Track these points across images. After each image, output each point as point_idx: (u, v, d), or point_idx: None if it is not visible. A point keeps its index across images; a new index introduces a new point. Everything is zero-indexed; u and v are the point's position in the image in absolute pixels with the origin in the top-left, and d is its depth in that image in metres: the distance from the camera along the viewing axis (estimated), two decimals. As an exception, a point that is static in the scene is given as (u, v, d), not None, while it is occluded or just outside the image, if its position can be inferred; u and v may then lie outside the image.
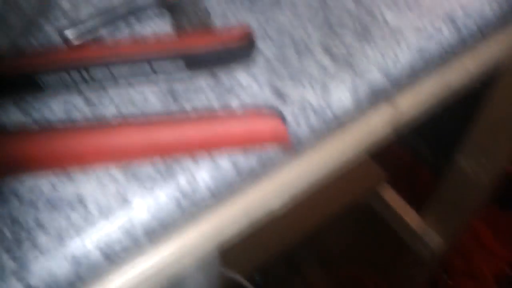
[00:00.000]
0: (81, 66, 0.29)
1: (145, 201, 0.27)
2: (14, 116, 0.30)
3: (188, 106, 0.31)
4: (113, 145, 0.27)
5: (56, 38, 0.33)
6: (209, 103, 0.31)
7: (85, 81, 0.30)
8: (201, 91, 0.31)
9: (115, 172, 0.28)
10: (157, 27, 0.34)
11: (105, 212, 0.27)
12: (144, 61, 0.29)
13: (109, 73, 0.29)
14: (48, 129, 0.28)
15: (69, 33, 0.33)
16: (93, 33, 0.33)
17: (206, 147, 0.28)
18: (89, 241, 0.26)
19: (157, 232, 0.28)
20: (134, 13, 0.34)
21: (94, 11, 0.35)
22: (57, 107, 0.31)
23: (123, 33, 0.34)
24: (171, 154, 0.28)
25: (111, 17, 0.34)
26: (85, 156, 0.27)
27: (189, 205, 0.29)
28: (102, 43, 0.32)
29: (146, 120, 0.28)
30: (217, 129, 0.28)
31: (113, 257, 0.27)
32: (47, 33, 0.34)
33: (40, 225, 0.26)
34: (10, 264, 0.25)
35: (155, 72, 0.30)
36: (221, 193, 0.30)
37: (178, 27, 0.32)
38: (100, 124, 0.28)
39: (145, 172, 0.28)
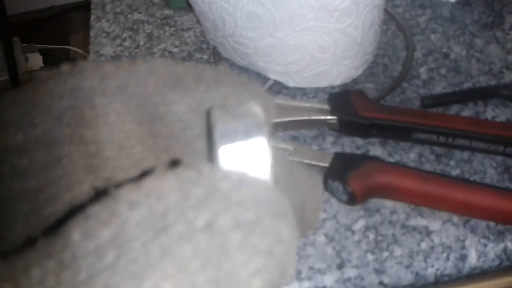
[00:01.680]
0: (451, 134, 0.37)
1: (477, 250, 0.34)
2: (379, 153, 0.39)
3: (522, 187, 0.37)
4: (462, 200, 0.35)
5: (414, 102, 0.43)
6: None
7: (445, 145, 0.38)
8: (536, 178, 0.37)
9: (457, 220, 0.36)
10: (501, 113, 0.41)
11: (445, 246, 0.33)
12: (501, 144, 0.36)
13: (468, 145, 0.37)
14: (409, 171, 0.36)
15: (427, 101, 0.42)
16: (444, 105, 0.42)
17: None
18: (430, 265, 0.33)
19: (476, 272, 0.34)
20: (482, 98, 0.42)
21: (447, 86, 0.43)
22: (412, 156, 0.40)
23: (467, 112, 0.42)
24: (505, 223, 0.35)
25: (462, 96, 0.42)
26: (438, 202, 0.35)
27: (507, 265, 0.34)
28: (462, 117, 0.40)
29: (488, 189, 0.35)
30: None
31: (440, 280, 0.34)
32: (409, 96, 0.44)
33: (396, 242, 0.35)
34: (373, 263, 0.34)
35: (505, 155, 0.37)
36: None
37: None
38: (453, 180, 0.36)
39: (481, 229, 0.35)
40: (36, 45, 1.24)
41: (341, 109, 0.41)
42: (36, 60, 1.19)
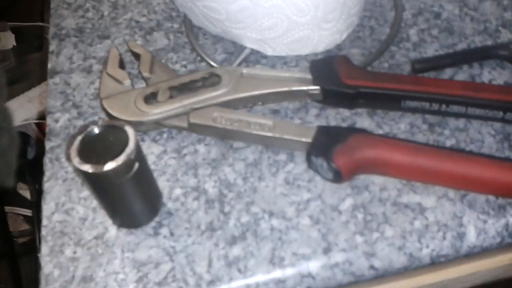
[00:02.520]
0: (445, 100, 0.34)
1: (476, 227, 0.31)
2: (367, 124, 0.36)
3: (523, 156, 0.34)
4: (458, 173, 0.32)
5: (404, 67, 0.39)
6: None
7: (439, 113, 0.35)
8: (538, 145, 0.34)
9: (453, 195, 0.33)
10: (498, 76, 0.38)
11: (441, 225, 0.31)
12: (500, 109, 0.33)
13: (464, 112, 0.34)
14: (399, 143, 0.33)
15: (418, 65, 0.39)
16: (437, 69, 0.39)
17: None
18: (425, 245, 0.30)
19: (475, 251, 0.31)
20: (477, 60, 0.38)
21: (439, 48, 0.40)
22: (403, 126, 0.36)
23: (462, 76, 0.38)
24: (506, 196, 0.32)
25: (456, 59, 0.39)
26: (432, 176, 0.32)
27: (509, 242, 0.32)
28: (457, 82, 0.36)
29: (487, 160, 0.32)
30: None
31: (436, 261, 0.31)
32: (398, 60, 0.40)
33: (387, 221, 0.32)
34: (362, 245, 0.31)
35: (504, 121, 0.34)
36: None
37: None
38: (448, 151, 0.33)
39: (479, 204, 0.32)
40: (8, 23, 1.18)
41: (325, 78, 0.37)
42: (8, 39, 1.14)
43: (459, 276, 0.35)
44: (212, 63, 0.41)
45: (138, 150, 0.30)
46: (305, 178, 0.34)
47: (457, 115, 0.35)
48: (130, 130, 0.30)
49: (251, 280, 0.31)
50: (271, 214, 0.33)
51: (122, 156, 0.28)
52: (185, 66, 0.41)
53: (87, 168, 0.28)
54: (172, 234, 0.32)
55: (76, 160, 0.29)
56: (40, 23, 1.11)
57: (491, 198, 0.32)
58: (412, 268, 0.32)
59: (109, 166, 0.28)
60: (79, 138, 0.30)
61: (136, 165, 0.29)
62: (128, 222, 0.33)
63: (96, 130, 0.30)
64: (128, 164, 0.29)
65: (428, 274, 0.35)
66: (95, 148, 0.30)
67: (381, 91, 0.35)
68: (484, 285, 0.37)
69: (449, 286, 0.36)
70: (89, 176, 0.29)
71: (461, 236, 0.31)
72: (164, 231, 0.32)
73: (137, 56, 0.41)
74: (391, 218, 0.32)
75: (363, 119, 0.37)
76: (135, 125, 0.37)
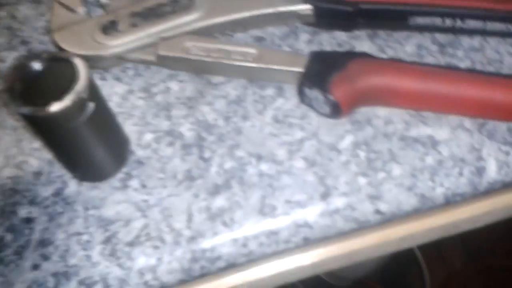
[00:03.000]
0: (461, 14, 0.29)
1: (498, 160, 0.27)
2: (368, 48, 0.31)
3: (550, 76, 0.30)
4: (476, 98, 0.27)
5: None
6: None
7: (452, 30, 0.30)
8: None
9: (469, 125, 0.28)
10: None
11: (456, 159, 0.27)
12: (524, 21, 0.28)
13: (481, 27, 0.29)
14: (408, 67, 0.29)
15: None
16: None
17: None
18: (438, 183, 0.26)
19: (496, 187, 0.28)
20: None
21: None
22: (410, 48, 0.31)
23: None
24: None
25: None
26: (446, 103, 0.28)
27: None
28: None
29: (509, 81, 0.28)
30: None
31: (452, 200, 0.27)
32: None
33: (394, 159, 0.28)
34: (366, 188, 0.27)
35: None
36: None
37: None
38: (465, 73, 0.28)
39: (500, 133, 0.28)
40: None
41: None
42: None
43: (473, 216, 0.32)
44: (183, -15, 0.36)
45: (92, 87, 0.24)
46: (297, 114, 0.29)
47: (473, 32, 0.30)
48: (79, 63, 0.24)
49: (239, 234, 0.26)
50: (259, 157, 0.28)
51: (70, 94, 0.23)
52: (150, -10, 0.36)
53: (28, 111, 0.23)
54: (143, 186, 0.27)
55: (14, 102, 0.24)
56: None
57: (515, 126, 0.29)
58: (424, 210, 0.28)
59: (55, 107, 0.23)
60: (18, 75, 0.25)
61: (91, 105, 0.24)
62: (90, 175, 0.28)
63: (38, 66, 0.25)
64: (79, 105, 0.23)
65: (438, 215, 0.31)
66: (40, 87, 0.25)
67: (386, 6, 0.29)
68: (498, 223, 0.34)
69: (461, 226, 0.33)
70: (34, 122, 0.24)
71: (480, 172, 0.27)
72: (134, 183, 0.28)
73: (92, -21, 0.36)
74: (398, 155, 0.28)
75: (363, 43, 0.32)
76: (94, 60, 0.31)
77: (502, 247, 0.93)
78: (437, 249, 0.97)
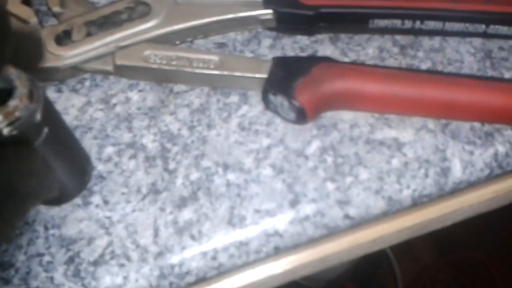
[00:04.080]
0: (420, 16, 0.29)
1: (462, 160, 0.27)
2: (330, 52, 0.31)
3: (507, 76, 0.30)
4: (438, 99, 0.27)
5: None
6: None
7: (412, 31, 0.30)
8: (522, 61, 0.31)
9: (433, 126, 0.28)
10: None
11: (422, 161, 0.27)
12: (482, 22, 0.29)
13: (441, 28, 0.29)
14: (371, 70, 0.29)
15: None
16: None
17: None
18: (405, 186, 0.26)
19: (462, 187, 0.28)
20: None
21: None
22: (371, 51, 0.31)
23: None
24: (494, 121, 0.28)
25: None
26: (409, 105, 0.28)
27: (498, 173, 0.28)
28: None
29: (470, 81, 0.28)
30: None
31: (418, 202, 0.27)
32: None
33: (361, 162, 0.28)
34: (335, 193, 0.27)
35: (486, 35, 0.29)
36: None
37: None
38: (427, 75, 0.28)
39: (464, 133, 0.28)
40: None
41: (278, 0, 0.32)
42: None
43: (440, 215, 0.32)
44: (140, -9, 0.35)
45: (46, 110, 0.23)
46: (262, 121, 0.29)
47: (432, 33, 0.30)
48: (18, 77, 0.23)
49: (208, 247, 0.26)
50: (226, 167, 0.27)
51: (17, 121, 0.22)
52: (106, -3, 0.35)
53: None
54: (106, 202, 0.26)
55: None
56: None
57: (477, 125, 0.28)
58: (392, 213, 0.28)
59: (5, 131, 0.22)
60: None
61: (45, 130, 0.23)
62: (51, 198, 0.27)
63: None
64: (30, 131, 0.22)
65: (406, 216, 0.31)
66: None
67: (346, 9, 0.29)
68: (465, 221, 0.35)
69: (429, 226, 0.33)
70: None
71: (445, 172, 0.27)
72: (96, 199, 0.26)
73: (43, -13, 0.34)
74: (365, 159, 0.28)
75: (325, 47, 0.32)
76: (48, 72, 0.30)
77: (470, 241, 0.96)
78: (407, 245, 0.99)
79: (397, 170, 0.27)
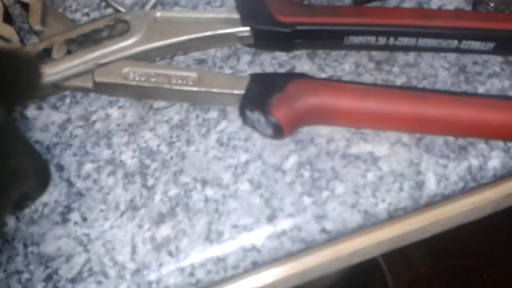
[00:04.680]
0: (393, 32, 0.29)
1: (436, 174, 0.27)
2: (308, 68, 0.31)
3: (480, 90, 0.30)
4: (412, 114, 0.28)
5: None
6: (503, 91, 0.30)
7: (386, 47, 0.30)
8: (495, 76, 0.31)
9: (407, 140, 0.29)
10: (448, 2, 0.33)
11: (396, 174, 0.27)
12: (455, 38, 0.29)
13: (414, 44, 0.30)
14: (345, 86, 0.29)
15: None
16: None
17: (503, 134, 0.28)
18: (380, 199, 0.27)
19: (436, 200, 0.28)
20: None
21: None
22: (348, 66, 0.32)
23: (409, 3, 0.33)
24: (467, 135, 0.29)
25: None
26: (383, 120, 0.28)
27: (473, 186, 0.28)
28: (405, 10, 0.31)
29: (443, 96, 0.29)
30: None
31: (394, 215, 0.28)
32: (335, -9, 0.35)
33: (337, 177, 0.28)
34: (311, 207, 0.27)
35: (459, 50, 0.30)
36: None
37: (478, 6, 0.32)
38: (400, 90, 0.29)
39: (438, 147, 0.29)
40: None
41: (255, 17, 0.31)
42: None
43: (419, 227, 0.32)
44: (120, 8, 0.35)
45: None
46: (241, 136, 0.29)
47: (407, 49, 0.31)
48: None
49: (185, 263, 0.26)
50: (204, 182, 0.28)
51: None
52: (87, 15, 0.34)
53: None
54: (84, 219, 0.27)
55: None
56: None
57: (450, 139, 0.28)
58: (368, 226, 0.29)
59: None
60: None
61: None
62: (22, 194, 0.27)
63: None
64: None
65: (385, 228, 0.32)
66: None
67: (321, 27, 0.30)
68: (457, 228, 0.35)
69: (408, 238, 0.33)
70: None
71: (419, 185, 0.28)
72: (75, 216, 0.27)
73: (25, 6, 0.34)
74: (341, 173, 0.28)
75: (303, 63, 0.32)
76: (28, 90, 0.31)
77: (464, 248, 0.96)
78: (401, 253, 1.00)
79: (372, 184, 0.28)
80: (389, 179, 0.28)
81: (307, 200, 0.27)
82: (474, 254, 1.01)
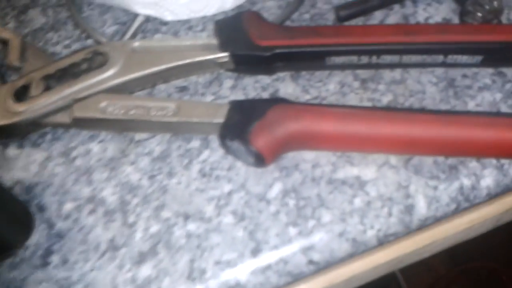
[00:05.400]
0: (374, 51, 0.28)
1: (426, 196, 0.26)
2: (292, 90, 0.30)
3: (471, 104, 0.29)
4: (399, 134, 0.27)
5: (328, 16, 0.33)
6: (494, 105, 0.29)
7: (371, 66, 0.29)
8: (486, 89, 0.30)
9: (395, 161, 0.28)
10: (435, 13, 0.32)
11: (385, 199, 0.26)
12: (440, 52, 0.28)
13: (398, 60, 0.29)
14: (326, 110, 0.28)
15: (343, 12, 0.33)
16: (365, 13, 0.33)
17: (494, 152, 0.27)
18: (369, 226, 0.26)
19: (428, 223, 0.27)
20: (409, -4, 0.33)
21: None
22: (333, 86, 0.31)
23: (394, 18, 0.32)
24: (457, 154, 0.28)
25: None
26: (369, 142, 0.27)
27: (466, 206, 0.27)
28: (387, 26, 0.31)
29: (431, 116, 0.28)
30: (507, 135, 0.27)
31: (384, 241, 0.27)
32: (320, 8, 0.33)
33: (323, 204, 0.27)
34: (297, 238, 0.26)
35: (446, 65, 0.29)
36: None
37: (465, 16, 0.31)
38: (384, 112, 0.28)
39: (427, 168, 0.28)
40: None
41: (233, 41, 0.30)
42: None
43: (415, 249, 0.31)
44: (101, 39, 0.34)
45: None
46: (224, 166, 0.28)
47: (391, 66, 0.30)
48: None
49: (169, 303, 0.26)
50: (186, 217, 0.27)
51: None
52: (68, 46, 0.34)
53: None
54: (64, 261, 0.26)
55: None
56: None
57: (440, 159, 0.27)
58: (358, 254, 0.28)
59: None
60: None
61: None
62: None
63: None
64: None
65: (378, 253, 0.30)
66: None
67: (300, 49, 0.29)
68: (444, 251, 0.34)
69: (405, 261, 0.32)
70: None
71: (409, 209, 0.26)
72: (55, 258, 0.26)
73: (5, 42, 0.34)
74: (327, 200, 0.27)
75: (287, 85, 0.31)
76: (8, 130, 0.30)
77: (482, 250, 0.94)
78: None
79: (360, 210, 0.27)
80: (377, 204, 0.27)
81: (292, 231, 0.26)
82: (492, 255, 0.99)
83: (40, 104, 0.29)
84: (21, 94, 0.30)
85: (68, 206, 0.28)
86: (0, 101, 0.29)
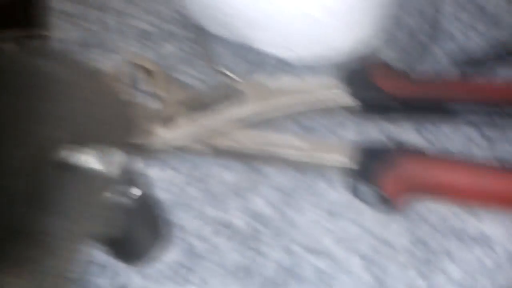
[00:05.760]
0: (499, 103, 0.29)
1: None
2: (415, 141, 0.31)
3: None
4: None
5: (450, 69, 0.34)
6: None
7: (498, 125, 0.31)
8: None
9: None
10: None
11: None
12: None
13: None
14: (458, 164, 0.29)
15: (466, 67, 0.34)
16: (483, 66, 0.34)
17: None
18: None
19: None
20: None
21: (483, 41, 0.35)
22: (457, 141, 0.32)
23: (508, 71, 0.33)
24: None
25: (502, 52, 0.34)
26: (494, 197, 0.28)
27: None
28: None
29: None
30: None
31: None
32: (441, 62, 0.35)
33: (448, 254, 0.28)
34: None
35: None
36: None
37: None
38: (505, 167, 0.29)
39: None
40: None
41: (361, 88, 0.32)
42: None
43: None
44: (233, 76, 0.37)
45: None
46: (351, 208, 0.29)
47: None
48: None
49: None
50: (316, 253, 0.28)
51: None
52: (203, 81, 0.37)
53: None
54: (205, 282, 0.28)
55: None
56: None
57: None
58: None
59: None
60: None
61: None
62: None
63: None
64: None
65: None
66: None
67: (430, 100, 0.31)
68: None
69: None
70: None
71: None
72: (193, 278, 0.28)
73: (147, 72, 0.38)
74: (456, 255, 0.27)
75: (410, 134, 0.32)
76: (153, 152, 0.33)
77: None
78: None
79: (490, 271, 0.27)
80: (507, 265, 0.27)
81: (420, 283, 0.27)
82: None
83: (183, 132, 0.33)
84: (167, 121, 0.33)
85: (207, 229, 0.30)
86: (148, 125, 0.33)
